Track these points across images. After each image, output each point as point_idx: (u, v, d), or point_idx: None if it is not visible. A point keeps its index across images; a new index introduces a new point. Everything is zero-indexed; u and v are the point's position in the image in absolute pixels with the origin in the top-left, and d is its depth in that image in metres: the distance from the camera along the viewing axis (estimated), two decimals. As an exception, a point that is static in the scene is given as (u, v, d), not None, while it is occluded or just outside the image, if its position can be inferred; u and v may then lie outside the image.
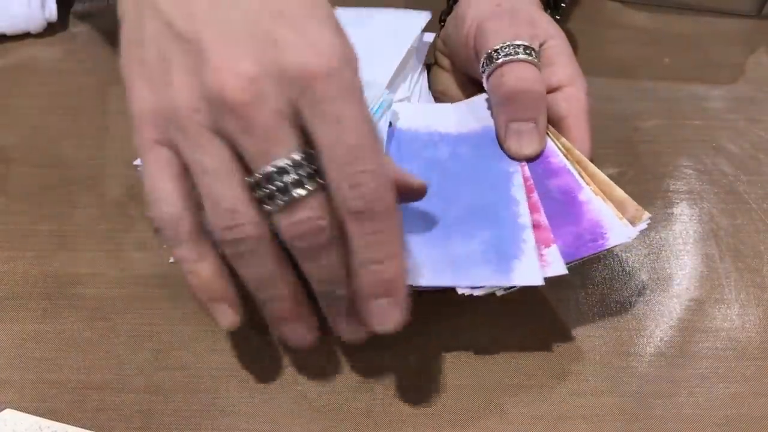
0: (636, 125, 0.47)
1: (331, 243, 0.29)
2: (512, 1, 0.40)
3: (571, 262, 0.33)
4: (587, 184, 0.36)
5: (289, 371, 0.35)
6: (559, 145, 0.37)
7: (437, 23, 0.47)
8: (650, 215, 0.34)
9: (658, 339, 0.36)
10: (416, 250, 0.34)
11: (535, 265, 0.33)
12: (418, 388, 0.34)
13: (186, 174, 0.29)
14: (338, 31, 0.28)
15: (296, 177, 0.27)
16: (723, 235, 0.40)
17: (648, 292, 0.38)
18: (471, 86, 0.43)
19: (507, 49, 0.37)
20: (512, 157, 0.37)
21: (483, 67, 0.38)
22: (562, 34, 0.40)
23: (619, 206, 0.34)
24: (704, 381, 0.34)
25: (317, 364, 0.35)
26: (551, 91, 0.38)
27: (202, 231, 0.30)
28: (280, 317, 0.31)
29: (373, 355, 0.35)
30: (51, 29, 0.52)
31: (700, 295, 0.38)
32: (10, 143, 0.45)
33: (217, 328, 0.36)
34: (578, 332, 0.36)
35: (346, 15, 0.31)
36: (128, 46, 0.31)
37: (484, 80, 0.38)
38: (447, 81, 0.44)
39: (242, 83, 0.26)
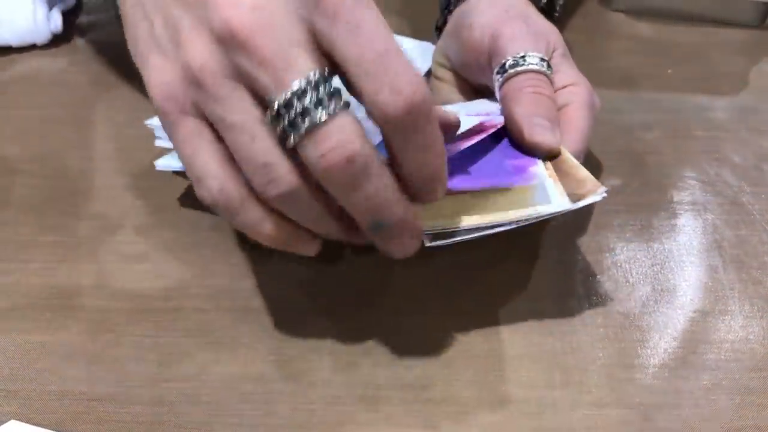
0: (639, 136, 0.47)
1: (368, 169, 0.27)
2: (518, 8, 0.41)
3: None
4: (546, 169, 0.36)
5: (292, 383, 0.35)
6: None
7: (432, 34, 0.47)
8: (606, 189, 0.34)
9: (662, 350, 0.36)
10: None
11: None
12: (416, 400, 0.34)
13: (220, 138, 0.28)
14: None
15: (316, 97, 0.26)
16: (727, 246, 0.40)
17: (652, 303, 0.38)
18: (475, 96, 0.43)
19: (525, 59, 0.37)
20: (532, 150, 0.36)
21: (497, 74, 0.38)
22: (564, 44, 0.40)
23: (580, 184, 0.35)
24: (708, 393, 0.34)
25: (320, 376, 0.35)
26: (558, 89, 0.39)
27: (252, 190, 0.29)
28: (347, 244, 0.32)
29: (380, 371, 0.35)
30: (56, 41, 0.53)
31: (704, 306, 0.38)
32: (15, 154, 0.45)
33: (219, 340, 0.36)
34: (581, 343, 0.36)
35: None
36: (133, 27, 0.30)
37: (496, 88, 0.38)
38: (449, 93, 0.44)
39: (246, 13, 0.26)
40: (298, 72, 0.26)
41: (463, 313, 0.37)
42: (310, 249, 0.32)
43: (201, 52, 0.27)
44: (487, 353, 0.36)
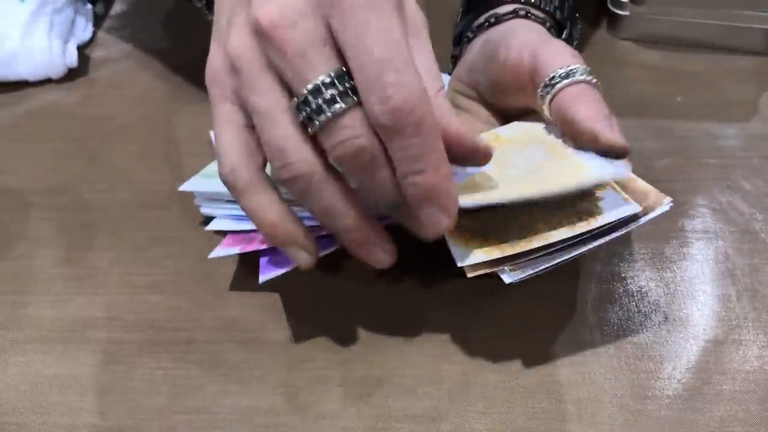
0: (649, 164, 0.47)
1: (375, 161, 0.29)
2: (549, 35, 0.41)
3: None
4: None
5: (302, 415, 0.35)
6: None
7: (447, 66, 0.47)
8: (671, 200, 0.34)
9: (676, 381, 0.35)
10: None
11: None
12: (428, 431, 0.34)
13: (251, 125, 0.31)
14: None
15: (329, 96, 0.28)
16: (740, 275, 0.40)
17: (664, 333, 0.37)
18: (499, 120, 0.42)
19: (575, 72, 0.37)
20: (606, 150, 0.35)
21: (546, 87, 0.37)
22: None
23: (642, 196, 0.34)
24: (723, 425, 0.34)
25: (330, 408, 0.35)
26: None
27: (265, 178, 0.31)
28: (352, 244, 0.32)
29: (390, 403, 0.35)
30: (71, 75, 0.54)
31: (717, 336, 0.37)
32: (30, 187, 0.46)
33: (230, 371, 0.36)
34: (594, 375, 0.36)
35: None
36: (215, 22, 0.33)
37: (545, 101, 0.38)
38: (466, 120, 0.43)
39: (274, 10, 0.28)
40: (316, 70, 0.28)
41: (474, 343, 0.37)
42: (305, 257, 0.33)
43: (240, 43, 0.29)
44: (499, 384, 0.35)
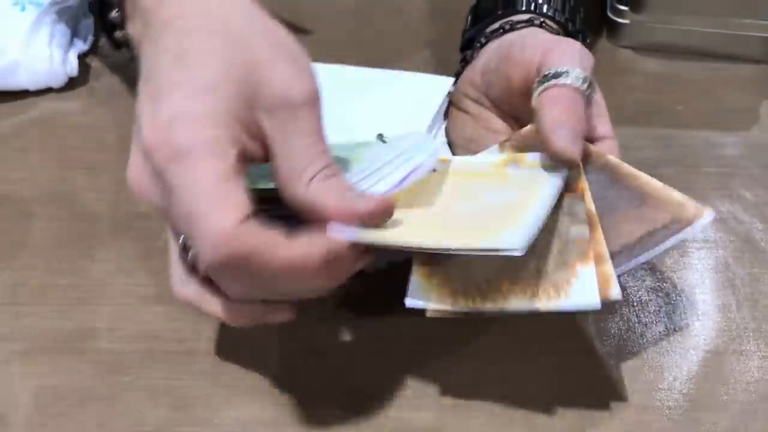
0: (650, 173, 0.46)
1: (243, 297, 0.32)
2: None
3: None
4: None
5: (304, 427, 0.35)
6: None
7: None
8: (712, 212, 0.33)
9: (676, 392, 0.35)
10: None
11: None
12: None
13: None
14: (182, 99, 0.30)
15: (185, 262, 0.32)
16: (740, 285, 0.40)
17: (665, 343, 0.37)
18: (514, 127, 0.42)
19: (567, 74, 0.37)
20: (554, 157, 0.35)
21: (538, 83, 0.37)
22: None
23: (677, 207, 0.34)
24: (725, 436, 0.34)
25: (332, 421, 0.35)
26: (595, 140, 0.38)
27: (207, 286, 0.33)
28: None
29: (392, 415, 0.35)
30: (72, 84, 0.54)
31: (717, 346, 0.37)
32: (32, 197, 0.46)
33: (232, 383, 0.36)
34: (594, 385, 0.36)
35: (371, 74, 0.30)
36: None
37: (534, 97, 0.37)
38: (471, 125, 0.43)
39: (131, 172, 0.31)
40: (172, 236, 0.32)
41: (474, 356, 0.37)
42: (281, 318, 0.34)
43: None
44: (499, 397, 0.35)
